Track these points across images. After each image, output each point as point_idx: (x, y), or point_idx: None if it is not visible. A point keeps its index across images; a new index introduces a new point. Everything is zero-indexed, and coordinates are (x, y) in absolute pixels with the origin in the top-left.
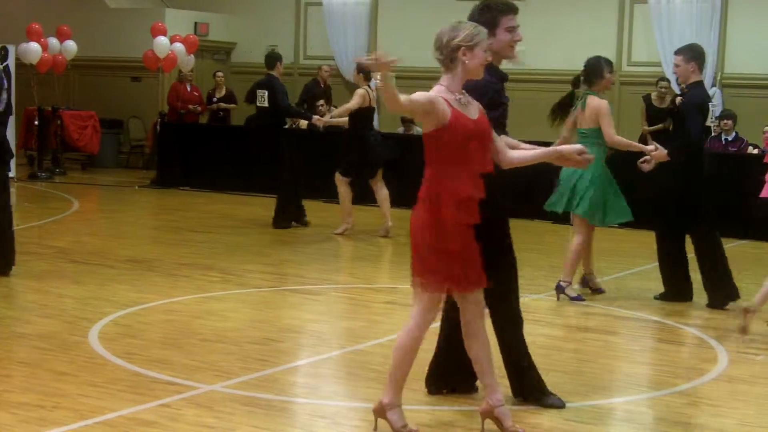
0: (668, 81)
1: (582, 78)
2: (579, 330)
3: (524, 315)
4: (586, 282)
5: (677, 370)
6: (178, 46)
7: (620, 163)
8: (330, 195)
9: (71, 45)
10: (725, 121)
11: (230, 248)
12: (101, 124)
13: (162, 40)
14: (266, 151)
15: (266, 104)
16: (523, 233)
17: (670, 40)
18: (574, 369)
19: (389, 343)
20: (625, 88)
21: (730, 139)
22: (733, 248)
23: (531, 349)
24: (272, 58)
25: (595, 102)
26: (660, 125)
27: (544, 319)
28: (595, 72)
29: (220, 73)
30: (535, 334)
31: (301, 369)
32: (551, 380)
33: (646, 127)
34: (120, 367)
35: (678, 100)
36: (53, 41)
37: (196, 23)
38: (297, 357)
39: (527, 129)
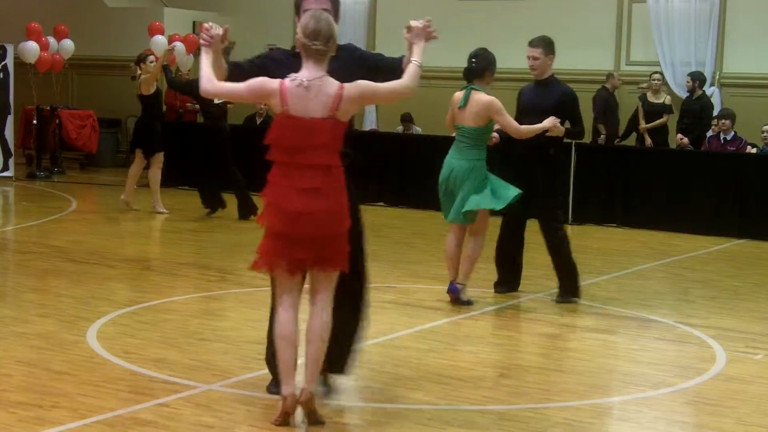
0: (661, 74)
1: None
2: (577, 329)
3: (523, 314)
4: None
5: (675, 369)
6: (178, 46)
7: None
8: None
9: (68, 44)
10: (723, 120)
11: (229, 248)
12: (100, 123)
13: (159, 39)
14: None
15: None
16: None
17: (668, 39)
18: (572, 368)
19: (387, 342)
20: (624, 88)
21: (728, 138)
22: (732, 247)
23: (531, 349)
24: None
25: (483, 98)
26: (658, 121)
27: (542, 319)
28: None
29: None
30: (533, 334)
31: (300, 368)
32: (549, 379)
33: (644, 125)
34: (118, 367)
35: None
36: (52, 40)
37: (194, 22)
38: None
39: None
